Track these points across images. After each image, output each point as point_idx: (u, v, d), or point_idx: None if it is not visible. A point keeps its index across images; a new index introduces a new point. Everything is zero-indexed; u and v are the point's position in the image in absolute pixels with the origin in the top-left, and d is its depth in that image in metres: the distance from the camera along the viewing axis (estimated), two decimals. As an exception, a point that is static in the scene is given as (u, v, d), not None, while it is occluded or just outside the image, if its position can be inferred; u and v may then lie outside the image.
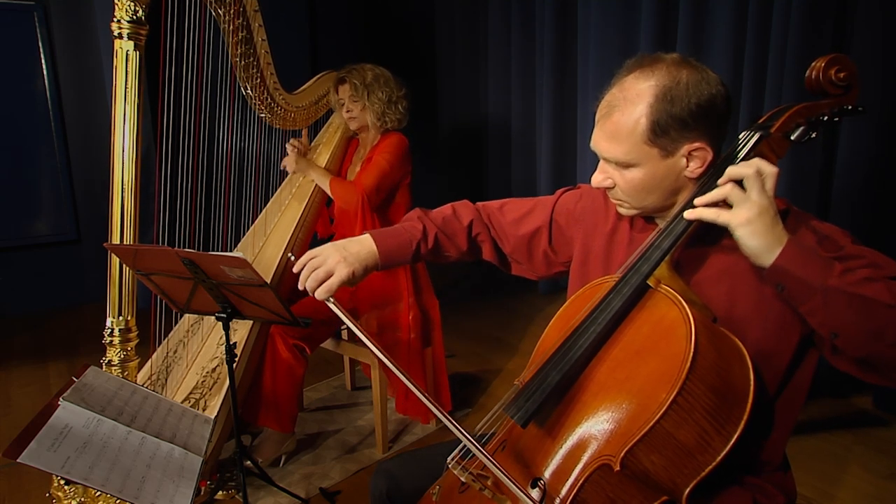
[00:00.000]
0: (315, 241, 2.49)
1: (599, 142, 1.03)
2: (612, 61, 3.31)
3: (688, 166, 0.99)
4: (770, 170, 0.89)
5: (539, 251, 1.31)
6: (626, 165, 1.00)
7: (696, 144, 0.97)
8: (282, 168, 2.45)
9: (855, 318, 0.82)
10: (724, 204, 0.90)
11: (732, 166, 0.90)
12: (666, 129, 0.96)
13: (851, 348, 0.85)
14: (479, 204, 1.38)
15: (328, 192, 2.37)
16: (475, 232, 1.34)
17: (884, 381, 0.88)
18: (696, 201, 0.92)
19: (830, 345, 0.89)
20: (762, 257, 0.87)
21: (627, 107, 0.98)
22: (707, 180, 0.97)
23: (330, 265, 1.15)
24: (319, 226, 2.51)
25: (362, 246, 1.21)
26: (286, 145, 2.43)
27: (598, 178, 1.06)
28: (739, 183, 0.89)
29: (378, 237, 1.24)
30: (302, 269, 1.17)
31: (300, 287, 1.16)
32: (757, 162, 0.89)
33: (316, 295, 1.14)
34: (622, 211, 1.09)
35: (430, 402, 0.98)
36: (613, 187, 1.05)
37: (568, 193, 1.31)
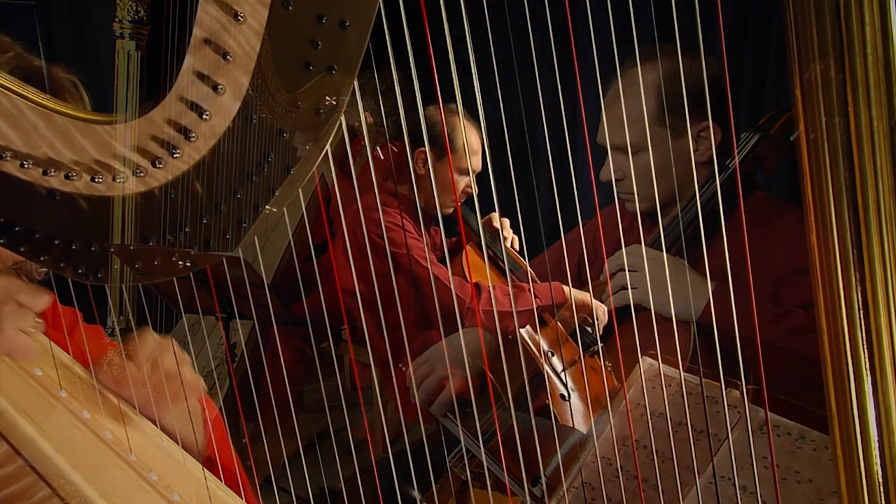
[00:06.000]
0: (314, 242, 2.49)
1: (608, 130, 1.03)
2: (612, 61, 3.29)
3: (697, 149, 0.99)
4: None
5: None
6: (637, 150, 1.00)
7: (704, 124, 0.97)
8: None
9: (789, 372, 0.76)
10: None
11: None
12: (673, 109, 0.96)
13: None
14: None
15: None
16: None
17: None
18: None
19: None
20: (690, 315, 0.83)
21: (634, 92, 0.98)
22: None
23: (440, 370, 0.98)
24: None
25: (473, 335, 1.01)
26: None
27: (606, 172, 1.06)
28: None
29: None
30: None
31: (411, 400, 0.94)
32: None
33: (431, 411, 0.96)
34: (630, 207, 1.09)
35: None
36: (622, 179, 1.05)
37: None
